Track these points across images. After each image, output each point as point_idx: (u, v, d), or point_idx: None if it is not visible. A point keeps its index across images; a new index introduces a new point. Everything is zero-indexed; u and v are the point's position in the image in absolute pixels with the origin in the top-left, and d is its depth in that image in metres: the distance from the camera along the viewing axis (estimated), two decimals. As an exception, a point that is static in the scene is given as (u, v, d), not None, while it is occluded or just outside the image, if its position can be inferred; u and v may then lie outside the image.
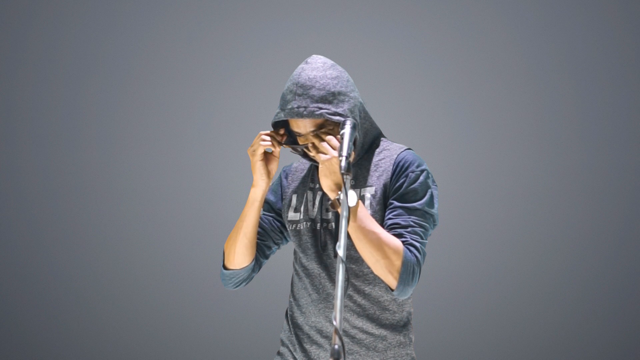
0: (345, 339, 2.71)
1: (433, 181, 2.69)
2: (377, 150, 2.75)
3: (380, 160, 2.73)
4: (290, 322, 2.81)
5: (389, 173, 2.68)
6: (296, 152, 2.75)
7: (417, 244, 2.58)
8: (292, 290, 2.82)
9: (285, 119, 2.63)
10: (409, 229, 2.59)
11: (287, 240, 2.88)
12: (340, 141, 2.49)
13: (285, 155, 3.22)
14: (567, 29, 5.07)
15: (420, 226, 2.61)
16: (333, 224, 2.71)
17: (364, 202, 2.67)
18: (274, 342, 3.77)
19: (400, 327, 2.75)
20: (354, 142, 2.63)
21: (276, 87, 4.97)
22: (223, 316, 5.14)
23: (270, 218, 2.83)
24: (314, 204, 2.76)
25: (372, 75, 5.01)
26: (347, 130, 2.52)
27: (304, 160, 2.85)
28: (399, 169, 2.67)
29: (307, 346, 2.75)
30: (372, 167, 2.72)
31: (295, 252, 2.81)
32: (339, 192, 2.51)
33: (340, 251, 2.24)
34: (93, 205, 5.18)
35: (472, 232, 5.06)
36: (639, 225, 5.05)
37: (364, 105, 2.71)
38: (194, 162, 5.15)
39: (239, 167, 4.98)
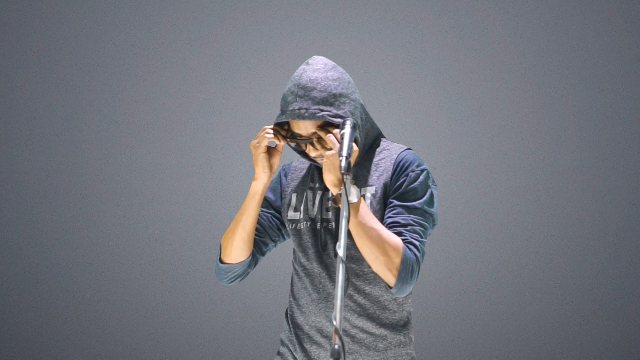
0: (345, 339, 2.71)
1: (433, 181, 2.70)
2: (378, 150, 2.76)
3: (380, 160, 2.73)
4: (290, 322, 2.81)
5: (389, 172, 2.69)
6: (297, 151, 2.75)
7: (417, 243, 2.59)
8: (291, 290, 2.82)
9: (287, 120, 2.63)
10: (408, 228, 2.60)
11: (284, 238, 2.89)
12: (340, 141, 2.49)
13: (284, 155, 3.22)
14: (567, 29, 5.06)
15: (420, 225, 2.62)
16: (333, 223, 2.71)
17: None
18: (273, 342, 3.77)
19: (401, 326, 2.75)
20: (355, 142, 2.64)
21: (276, 87, 4.97)
22: (223, 316, 5.14)
23: (269, 215, 2.83)
24: (314, 203, 2.76)
25: (372, 76, 5.01)
26: (347, 130, 2.52)
27: (304, 160, 2.86)
28: (399, 169, 2.68)
29: (307, 346, 2.75)
30: (373, 167, 2.72)
31: (294, 252, 2.81)
32: (342, 187, 2.51)
33: (340, 251, 2.25)
34: (93, 205, 5.18)
35: (472, 232, 5.06)
36: (639, 225, 5.05)
37: (364, 106, 2.72)
38: (194, 162, 5.15)
39: (239, 167, 4.98)
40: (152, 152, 5.17)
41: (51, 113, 5.21)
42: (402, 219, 2.61)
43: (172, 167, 5.16)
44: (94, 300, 5.18)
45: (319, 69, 2.64)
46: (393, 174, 2.69)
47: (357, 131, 2.64)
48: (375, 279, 2.70)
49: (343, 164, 2.42)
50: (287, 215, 2.80)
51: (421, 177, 2.66)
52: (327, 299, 2.70)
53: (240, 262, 2.76)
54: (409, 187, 2.65)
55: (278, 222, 2.84)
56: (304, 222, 2.75)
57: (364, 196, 2.67)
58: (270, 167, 2.69)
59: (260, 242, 2.81)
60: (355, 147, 2.56)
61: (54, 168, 5.19)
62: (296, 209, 2.78)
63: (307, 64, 2.67)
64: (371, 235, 2.52)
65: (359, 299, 2.70)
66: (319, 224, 2.73)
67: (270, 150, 2.70)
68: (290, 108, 2.61)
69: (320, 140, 2.64)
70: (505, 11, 5.07)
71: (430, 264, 4.29)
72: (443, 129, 5.08)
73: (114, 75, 5.19)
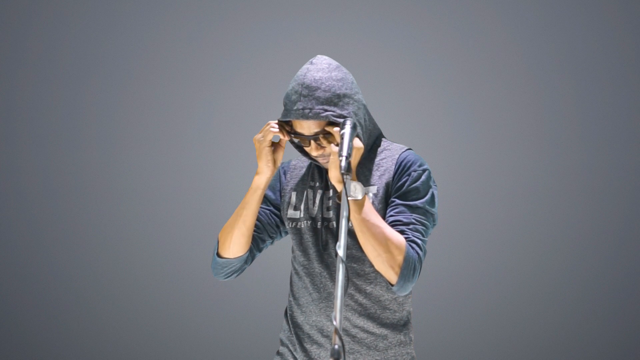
0: (346, 338, 2.72)
1: (433, 181, 2.72)
2: (379, 150, 2.77)
3: (381, 160, 2.74)
4: (290, 322, 2.81)
5: (391, 172, 2.70)
6: (298, 149, 2.75)
7: (419, 242, 2.60)
8: (291, 290, 2.82)
9: (290, 119, 2.63)
10: (410, 226, 2.61)
11: (281, 236, 2.88)
12: (341, 141, 2.49)
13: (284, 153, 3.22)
14: (567, 29, 5.07)
15: (422, 224, 2.63)
16: (334, 222, 2.72)
17: (365, 201, 2.68)
18: (273, 342, 3.77)
19: (401, 326, 2.76)
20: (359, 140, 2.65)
21: (276, 87, 4.96)
22: (223, 316, 5.14)
23: (268, 211, 2.83)
24: (314, 202, 2.76)
25: (372, 75, 5.01)
26: (347, 130, 2.53)
27: (303, 158, 2.86)
28: (401, 168, 2.69)
29: (308, 346, 2.75)
30: (374, 167, 2.73)
31: (293, 251, 2.81)
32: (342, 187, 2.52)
33: (340, 251, 2.25)
34: (93, 205, 5.18)
35: (472, 232, 5.06)
36: (639, 225, 5.05)
37: (367, 106, 2.72)
38: (194, 162, 5.15)
39: (239, 167, 4.98)
40: (152, 152, 5.17)
41: (51, 113, 5.21)
42: (405, 218, 2.62)
43: (172, 167, 5.16)
44: (94, 300, 5.18)
45: (323, 69, 2.64)
46: (395, 173, 2.69)
47: (361, 131, 2.65)
48: (376, 278, 2.71)
49: (343, 164, 2.42)
50: (286, 214, 2.80)
51: (423, 177, 2.67)
52: (327, 299, 2.70)
53: (238, 257, 2.75)
54: (411, 187, 2.66)
55: (277, 219, 2.83)
56: (305, 221, 2.75)
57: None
58: (274, 162, 2.68)
59: (258, 238, 2.80)
60: (360, 144, 2.56)
61: (54, 168, 5.19)
62: (296, 208, 2.78)
63: (311, 63, 2.67)
64: (374, 233, 2.52)
65: (360, 298, 2.71)
66: (319, 223, 2.74)
67: (273, 146, 2.69)
68: (295, 107, 2.61)
69: (327, 137, 2.63)
70: (505, 11, 5.07)
71: (430, 263, 4.29)
72: (443, 129, 5.08)
73: (114, 75, 5.19)
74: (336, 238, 2.70)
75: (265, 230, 2.82)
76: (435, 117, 5.08)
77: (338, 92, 2.62)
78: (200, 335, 5.16)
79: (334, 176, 2.53)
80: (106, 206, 5.18)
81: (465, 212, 5.05)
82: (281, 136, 2.67)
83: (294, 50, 5.03)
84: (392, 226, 2.60)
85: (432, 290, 4.96)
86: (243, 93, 5.14)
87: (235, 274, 2.81)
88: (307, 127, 2.62)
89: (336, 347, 2.05)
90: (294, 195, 2.81)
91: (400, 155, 2.72)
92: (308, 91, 2.61)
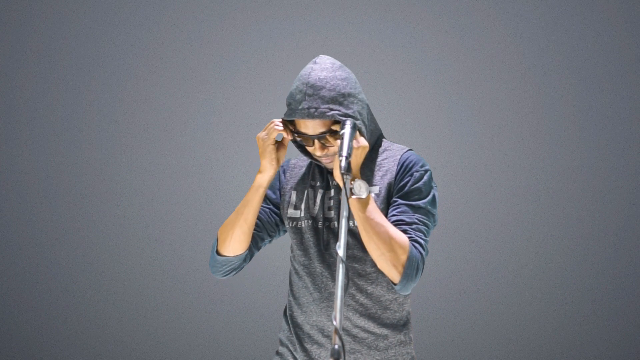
0: (347, 338, 2.72)
1: (434, 182, 2.72)
2: (380, 150, 2.77)
3: (383, 160, 2.75)
4: (289, 321, 2.81)
5: (393, 172, 2.71)
6: (299, 148, 2.75)
7: (422, 241, 2.61)
8: (291, 289, 2.81)
9: (296, 119, 2.62)
10: (413, 226, 2.62)
11: (279, 235, 2.88)
12: (341, 141, 2.50)
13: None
14: (567, 29, 5.06)
15: (424, 224, 2.64)
16: (335, 222, 2.72)
17: (367, 201, 2.68)
18: (273, 342, 3.77)
19: (401, 326, 2.76)
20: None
21: (276, 87, 4.96)
22: (223, 316, 5.14)
23: (268, 210, 2.82)
24: (315, 201, 2.76)
25: (372, 76, 5.00)
26: (347, 130, 2.53)
27: (302, 157, 2.86)
28: (404, 169, 2.70)
29: (308, 346, 2.75)
30: (376, 167, 2.74)
31: (292, 250, 2.81)
32: (352, 182, 2.52)
33: (340, 251, 2.25)
34: (93, 205, 5.18)
35: (472, 232, 5.06)
36: (639, 225, 5.05)
37: (369, 106, 2.73)
38: (194, 162, 5.15)
39: (239, 167, 4.98)
40: (152, 152, 5.17)
41: (51, 113, 5.21)
42: (407, 218, 2.62)
43: (172, 167, 5.16)
44: (94, 300, 5.18)
45: (327, 68, 2.64)
46: (397, 173, 2.70)
47: (365, 130, 2.65)
48: (377, 278, 2.71)
49: (343, 163, 2.42)
50: (286, 213, 2.80)
51: (425, 178, 2.68)
52: (329, 299, 2.70)
53: (238, 255, 2.75)
54: (413, 187, 2.67)
55: (277, 217, 2.83)
56: (305, 221, 2.75)
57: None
58: (277, 160, 2.68)
59: (257, 237, 2.80)
60: (365, 143, 2.56)
61: (54, 168, 5.19)
62: (296, 207, 2.78)
63: (315, 62, 2.66)
64: (378, 232, 2.53)
65: (361, 298, 2.71)
66: (320, 222, 2.74)
67: (276, 144, 2.69)
68: (300, 107, 2.60)
69: (333, 135, 2.63)
70: (505, 11, 5.07)
71: (430, 263, 4.28)
72: (443, 129, 5.08)
73: (114, 75, 5.19)
74: (337, 238, 2.70)
75: (265, 228, 2.82)
76: (435, 117, 5.08)
77: (343, 91, 2.62)
78: (200, 335, 5.16)
79: (339, 175, 2.53)
80: (106, 206, 5.18)
81: (465, 212, 5.05)
82: (285, 135, 2.67)
83: (294, 51, 5.02)
84: (395, 226, 2.60)
85: (432, 290, 4.96)
86: (243, 93, 5.14)
87: (234, 272, 2.80)
88: (312, 126, 2.62)
89: (336, 347, 2.05)
90: (294, 194, 2.80)
91: (402, 155, 2.73)
92: (313, 90, 2.60)
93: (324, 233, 2.72)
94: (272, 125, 2.66)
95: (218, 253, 2.76)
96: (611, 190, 5.04)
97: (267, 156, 2.67)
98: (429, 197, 2.67)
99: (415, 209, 2.64)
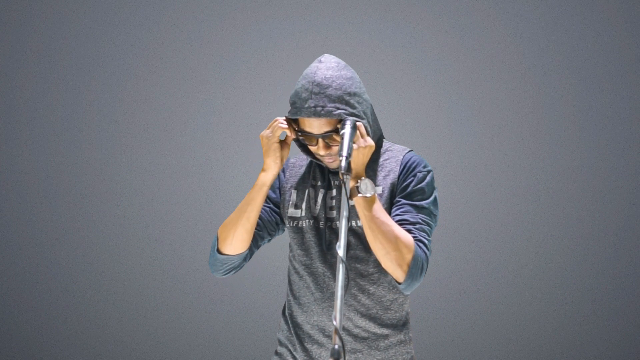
0: (348, 338, 2.72)
1: (435, 183, 2.73)
2: (381, 150, 2.77)
3: (385, 160, 2.75)
4: (289, 321, 2.81)
5: (396, 173, 2.71)
6: (301, 147, 2.74)
7: (426, 241, 2.62)
8: (290, 289, 2.81)
9: (301, 117, 2.61)
10: (417, 226, 2.63)
11: (278, 234, 2.87)
12: (341, 141, 2.49)
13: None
14: (567, 29, 5.06)
15: (427, 224, 2.65)
16: (338, 222, 2.71)
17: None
18: (273, 341, 3.77)
19: (401, 325, 2.77)
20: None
21: (276, 87, 4.97)
22: (223, 316, 5.14)
23: (268, 209, 2.82)
24: (316, 201, 2.76)
25: (372, 76, 5.00)
26: (347, 130, 2.53)
27: (302, 156, 2.85)
28: (407, 169, 2.70)
29: (309, 345, 2.75)
30: (378, 168, 2.74)
31: (292, 249, 2.80)
32: (358, 181, 2.52)
33: (340, 251, 2.25)
34: (93, 205, 5.18)
35: (472, 232, 5.06)
36: (639, 225, 5.05)
37: (372, 106, 2.73)
38: (194, 162, 5.15)
39: (239, 167, 4.98)
40: (152, 152, 5.17)
41: (51, 113, 5.21)
42: (411, 217, 2.63)
43: (172, 167, 5.16)
44: (94, 300, 5.18)
45: (332, 67, 2.64)
46: (400, 174, 2.71)
47: (370, 129, 2.65)
48: (379, 279, 2.72)
49: (343, 163, 2.42)
50: (287, 212, 2.79)
51: (428, 178, 2.70)
52: (330, 299, 2.70)
53: (239, 253, 2.74)
54: (417, 187, 2.67)
55: (277, 217, 2.82)
56: (306, 220, 2.75)
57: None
58: (281, 159, 2.67)
59: (257, 236, 2.79)
60: (372, 142, 2.56)
61: (54, 168, 5.19)
62: (297, 206, 2.78)
63: (320, 61, 2.66)
64: (384, 231, 2.53)
65: (363, 299, 2.71)
66: (321, 222, 2.73)
67: (279, 143, 2.68)
68: (306, 105, 2.59)
69: (338, 134, 2.62)
70: (505, 11, 5.07)
71: (430, 263, 4.29)
72: (443, 129, 5.08)
73: (114, 75, 5.19)
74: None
75: (265, 227, 2.81)
76: (435, 117, 5.08)
77: (349, 90, 2.61)
78: (199, 334, 5.16)
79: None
80: (106, 206, 5.18)
81: (465, 212, 5.05)
82: (288, 133, 2.66)
83: (294, 51, 5.02)
84: (399, 225, 2.61)
85: (432, 290, 4.96)
86: (243, 93, 5.14)
87: (234, 271, 2.79)
88: (317, 125, 2.61)
89: (336, 347, 2.05)
90: (294, 193, 2.80)
91: (404, 156, 2.74)
92: (319, 89, 2.59)
93: (326, 233, 2.72)
94: (276, 123, 2.65)
95: (219, 251, 2.75)
96: (611, 190, 5.04)
97: (271, 155, 2.65)
98: (432, 198, 2.68)
99: (419, 209, 2.65)
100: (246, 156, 4.97)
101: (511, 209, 5.06)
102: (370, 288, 2.71)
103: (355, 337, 2.72)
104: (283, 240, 2.99)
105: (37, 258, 5.20)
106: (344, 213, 2.35)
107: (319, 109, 2.58)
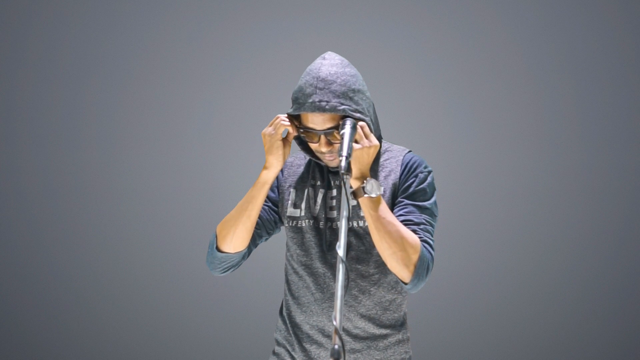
0: (347, 338, 2.72)
1: None
2: (381, 151, 2.77)
3: (385, 160, 2.75)
4: (287, 321, 2.80)
5: (397, 173, 2.72)
6: (301, 145, 2.74)
7: (430, 242, 2.63)
8: (289, 288, 2.80)
9: (306, 112, 2.60)
10: (421, 227, 2.63)
11: (276, 232, 2.86)
12: (341, 141, 2.49)
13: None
14: (567, 29, 5.06)
15: (430, 224, 2.66)
16: (338, 223, 2.71)
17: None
18: (270, 341, 3.77)
19: (399, 326, 2.78)
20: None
21: (276, 86, 4.97)
22: (223, 316, 5.14)
23: (267, 208, 2.81)
24: (315, 201, 2.76)
25: (372, 75, 4.99)
26: (347, 130, 2.52)
27: (299, 155, 2.85)
28: (408, 170, 2.71)
29: (307, 345, 2.75)
30: (379, 168, 2.74)
31: (289, 249, 2.79)
32: (364, 181, 2.52)
33: (340, 251, 2.25)
34: (93, 205, 5.18)
35: (472, 232, 5.06)
36: (639, 225, 5.05)
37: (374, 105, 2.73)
38: (194, 162, 5.15)
39: (239, 167, 4.98)
40: (152, 152, 5.17)
41: (51, 113, 5.21)
42: (415, 218, 2.64)
43: (172, 167, 5.16)
44: (94, 300, 5.18)
45: (337, 64, 2.63)
46: (401, 174, 2.71)
47: (373, 128, 2.64)
48: (379, 279, 2.72)
49: (343, 163, 2.42)
50: (285, 212, 2.78)
51: (429, 179, 2.71)
52: (331, 299, 2.70)
53: (239, 251, 2.73)
54: (419, 188, 2.68)
55: (276, 215, 2.82)
56: (306, 220, 2.74)
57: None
58: (283, 156, 2.65)
59: (256, 234, 2.78)
60: (376, 142, 2.56)
61: (54, 168, 5.19)
62: (296, 206, 2.77)
63: (324, 58, 2.65)
64: (390, 231, 2.53)
65: (364, 299, 2.71)
66: (321, 222, 2.73)
67: (282, 140, 2.67)
68: (310, 100, 2.58)
69: (334, 136, 2.62)
70: (505, 11, 5.07)
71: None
72: (443, 129, 5.08)
73: (114, 75, 5.19)
74: (342, 239, 2.70)
75: (264, 226, 2.80)
76: (435, 117, 5.08)
77: (353, 87, 2.61)
78: (199, 335, 5.16)
79: (353, 173, 2.52)
80: (106, 206, 5.18)
81: (465, 212, 5.05)
82: (290, 130, 2.65)
83: (294, 51, 5.02)
84: (404, 225, 2.61)
85: (432, 290, 4.96)
86: (243, 93, 5.14)
87: (233, 269, 2.78)
88: (320, 121, 2.60)
89: (336, 347, 2.05)
90: (293, 192, 2.79)
91: (404, 156, 2.74)
92: (324, 84, 2.59)
93: (327, 233, 2.72)
94: (278, 120, 2.63)
95: (218, 249, 2.74)
96: (611, 190, 5.04)
97: (274, 152, 2.64)
98: (433, 199, 2.69)
99: (422, 209, 2.66)
100: (246, 156, 4.97)
101: (511, 209, 5.06)
102: (371, 289, 2.71)
103: (354, 337, 2.72)
104: (281, 239, 2.98)
105: (37, 258, 5.20)
106: (344, 213, 2.35)
107: (323, 103, 2.57)
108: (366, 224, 2.69)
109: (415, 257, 2.55)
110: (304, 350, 2.75)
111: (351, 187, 2.64)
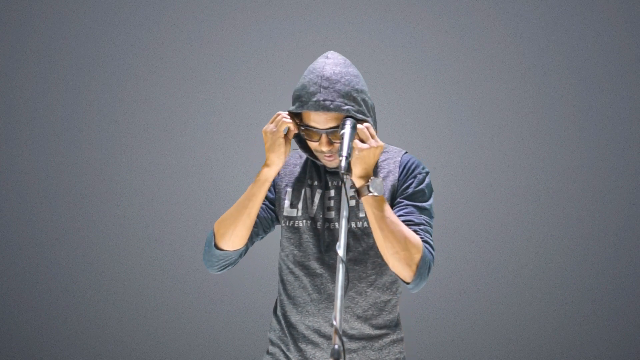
0: (344, 339, 2.72)
1: None
2: None
3: (382, 161, 2.76)
4: (282, 321, 2.79)
5: (396, 174, 2.72)
6: (300, 145, 2.73)
7: (431, 242, 2.64)
8: (284, 288, 2.79)
9: (309, 110, 2.58)
10: (422, 227, 2.64)
11: (271, 231, 2.85)
12: (341, 141, 2.49)
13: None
14: (567, 29, 5.06)
15: (429, 225, 2.68)
16: (336, 223, 2.71)
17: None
18: (264, 341, 3.76)
19: (393, 326, 2.79)
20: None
21: (276, 86, 4.96)
22: (223, 316, 5.13)
23: (264, 206, 2.80)
24: (312, 201, 2.75)
25: (372, 75, 4.99)
26: (347, 131, 2.52)
27: (296, 154, 2.84)
28: (406, 171, 2.72)
29: (303, 345, 2.75)
30: (377, 169, 2.74)
31: (284, 249, 2.78)
32: (369, 180, 2.52)
33: (340, 251, 2.25)
34: (93, 205, 5.18)
35: (472, 232, 5.06)
36: (639, 225, 5.05)
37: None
38: (194, 162, 5.15)
39: (239, 167, 4.98)
40: (152, 152, 5.17)
41: (51, 113, 5.21)
42: (416, 218, 2.65)
43: (172, 167, 5.16)
44: (94, 300, 5.17)
45: (340, 64, 2.63)
46: (400, 175, 2.72)
47: (376, 129, 2.64)
48: (375, 280, 2.72)
49: (343, 163, 2.42)
50: (282, 211, 2.78)
51: (427, 180, 2.72)
52: (328, 300, 2.70)
53: (237, 249, 2.72)
54: (418, 189, 2.69)
55: (273, 214, 2.81)
56: (303, 220, 2.74)
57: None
58: (284, 154, 2.64)
59: (253, 232, 2.77)
60: (381, 142, 2.55)
61: (54, 168, 5.19)
62: (293, 206, 2.77)
63: (327, 57, 2.65)
64: (393, 230, 2.53)
65: (361, 301, 2.72)
66: (319, 223, 2.73)
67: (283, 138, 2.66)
68: (314, 99, 2.57)
69: (335, 135, 2.61)
70: (505, 11, 5.07)
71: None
72: (443, 129, 5.07)
73: (114, 75, 5.19)
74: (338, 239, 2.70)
75: (261, 224, 2.79)
76: (435, 117, 5.07)
77: (356, 87, 2.61)
78: (199, 335, 5.16)
79: (356, 172, 2.52)
80: (106, 206, 5.18)
81: (465, 212, 5.05)
82: (292, 128, 2.63)
83: (294, 51, 5.02)
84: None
85: (432, 290, 4.95)
86: (243, 93, 5.14)
87: (230, 267, 2.77)
88: (322, 120, 2.59)
89: (336, 347, 2.05)
90: (289, 192, 2.78)
91: (402, 157, 2.75)
92: (328, 83, 2.58)
93: (325, 234, 2.71)
94: (279, 117, 2.62)
95: (217, 247, 2.72)
96: (611, 190, 5.04)
97: (275, 150, 2.62)
98: (431, 200, 2.70)
99: (421, 210, 2.67)
100: (246, 156, 4.97)
101: (511, 209, 5.06)
102: (368, 290, 2.72)
103: (350, 337, 2.72)
104: (274, 238, 2.97)
105: (37, 258, 5.19)
106: (344, 213, 2.35)
107: (328, 102, 2.56)
108: (364, 225, 2.69)
109: (417, 257, 2.55)
110: (299, 350, 2.75)
111: (353, 187, 2.63)
